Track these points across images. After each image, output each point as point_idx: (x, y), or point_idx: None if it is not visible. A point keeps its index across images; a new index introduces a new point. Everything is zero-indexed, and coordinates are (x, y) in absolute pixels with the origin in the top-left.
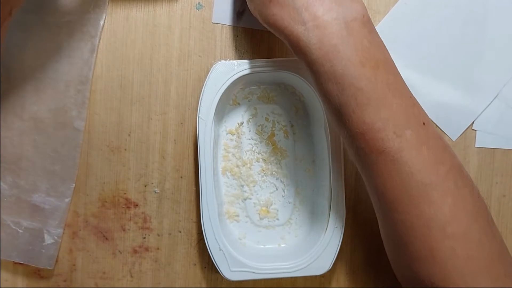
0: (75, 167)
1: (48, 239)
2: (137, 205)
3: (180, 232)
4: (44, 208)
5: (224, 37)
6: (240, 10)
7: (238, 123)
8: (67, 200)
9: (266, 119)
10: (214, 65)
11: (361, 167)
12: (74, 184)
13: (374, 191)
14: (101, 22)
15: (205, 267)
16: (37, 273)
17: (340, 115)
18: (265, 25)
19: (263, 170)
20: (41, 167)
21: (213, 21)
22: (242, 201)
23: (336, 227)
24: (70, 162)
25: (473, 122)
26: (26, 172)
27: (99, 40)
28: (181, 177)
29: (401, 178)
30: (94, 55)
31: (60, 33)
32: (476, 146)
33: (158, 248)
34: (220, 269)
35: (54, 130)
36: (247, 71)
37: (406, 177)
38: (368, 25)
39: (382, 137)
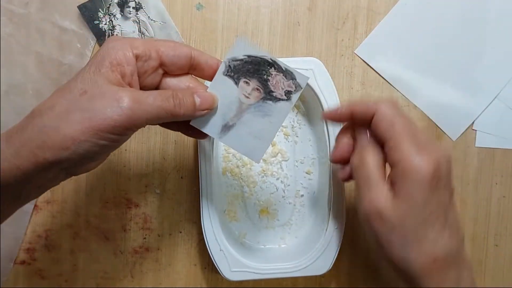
0: (18, 247)
1: None
2: (138, 206)
3: (180, 232)
4: None
5: (225, 38)
6: None
7: None
8: None
9: None
10: None
11: None
12: (13, 262)
13: None
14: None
15: (205, 268)
16: (38, 274)
17: None
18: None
19: (263, 171)
20: None
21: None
22: (242, 201)
23: (336, 228)
24: (13, 242)
25: (473, 122)
26: None
27: None
28: (181, 177)
29: None
30: None
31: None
32: (476, 146)
33: (158, 249)
34: (221, 269)
35: None
36: None
37: None
38: None
39: None
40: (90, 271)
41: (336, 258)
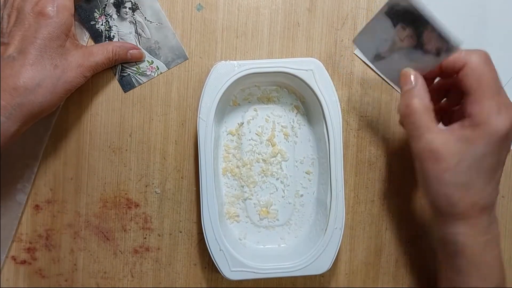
0: (10, 238)
1: None
2: (138, 205)
3: (180, 232)
4: None
5: (225, 38)
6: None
7: (238, 124)
8: None
9: (266, 120)
10: (214, 66)
11: None
12: (5, 255)
13: None
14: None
15: (205, 267)
16: (38, 273)
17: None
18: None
19: (263, 171)
20: None
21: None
22: (242, 201)
23: (336, 228)
24: (6, 232)
25: None
26: None
27: (56, 118)
28: (181, 177)
29: None
30: (49, 132)
31: None
32: None
33: (158, 248)
34: (221, 269)
35: None
36: (247, 72)
37: None
38: None
39: None
40: (90, 270)
41: (336, 258)
